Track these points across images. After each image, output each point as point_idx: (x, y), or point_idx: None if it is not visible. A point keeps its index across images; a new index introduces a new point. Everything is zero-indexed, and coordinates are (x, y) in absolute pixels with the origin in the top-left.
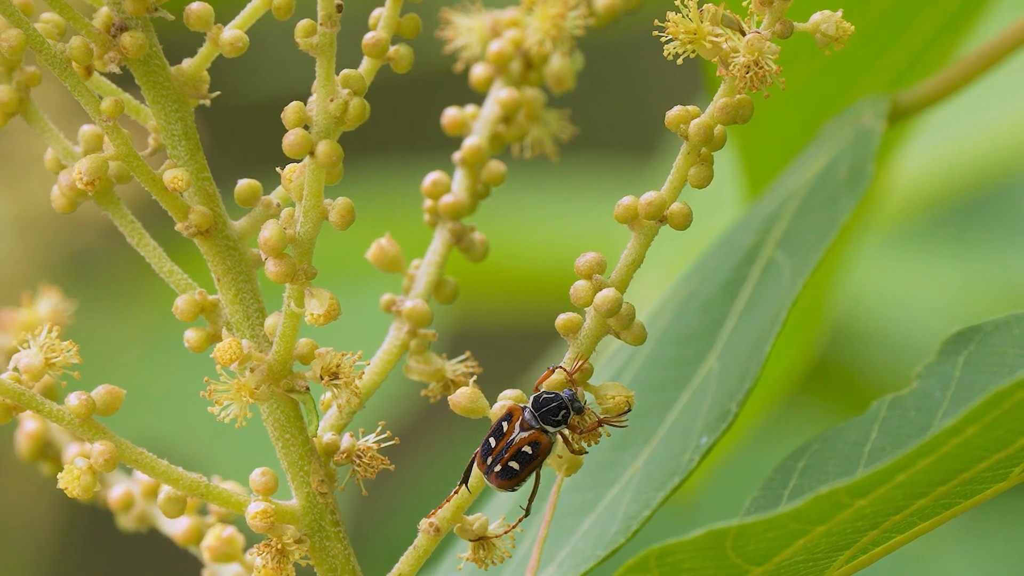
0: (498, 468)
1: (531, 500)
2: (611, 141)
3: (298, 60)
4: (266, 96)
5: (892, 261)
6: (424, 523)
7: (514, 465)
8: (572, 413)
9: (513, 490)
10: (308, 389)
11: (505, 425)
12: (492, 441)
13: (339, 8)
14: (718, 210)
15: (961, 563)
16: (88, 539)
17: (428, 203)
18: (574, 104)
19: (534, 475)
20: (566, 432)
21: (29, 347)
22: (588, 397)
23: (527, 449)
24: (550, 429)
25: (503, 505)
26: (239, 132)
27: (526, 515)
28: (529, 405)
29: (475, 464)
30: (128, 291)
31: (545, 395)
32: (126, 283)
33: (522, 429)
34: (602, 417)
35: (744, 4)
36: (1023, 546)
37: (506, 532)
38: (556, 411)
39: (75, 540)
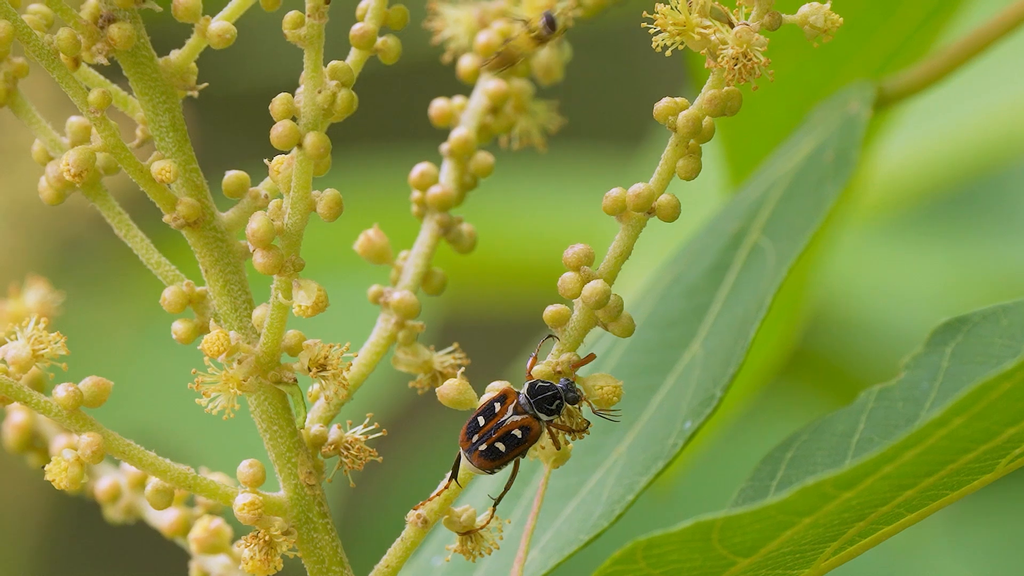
0: (483, 447)
1: (506, 489)
2: (601, 131)
3: (288, 50)
4: (256, 86)
5: (883, 250)
6: (412, 515)
7: (500, 447)
8: (566, 404)
9: (492, 472)
10: (296, 381)
11: (497, 406)
12: (481, 420)
13: (327, 0)
14: (708, 198)
15: (949, 554)
16: (79, 528)
17: (416, 194)
18: (563, 95)
19: (514, 463)
20: (556, 423)
21: (16, 339)
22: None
23: (517, 432)
24: (543, 417)
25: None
26: (229, 122)
27: (496, 503)
28: (524, 391)
29: (459, 442)
30: (120, 281)
31: (541, 383)
32: (118, 273)
33: (515, 412)
34: (595, 410)
35: None
36: (1010, 537)
37: (486, 524)
38: (551, 400)
39: (66, 529)
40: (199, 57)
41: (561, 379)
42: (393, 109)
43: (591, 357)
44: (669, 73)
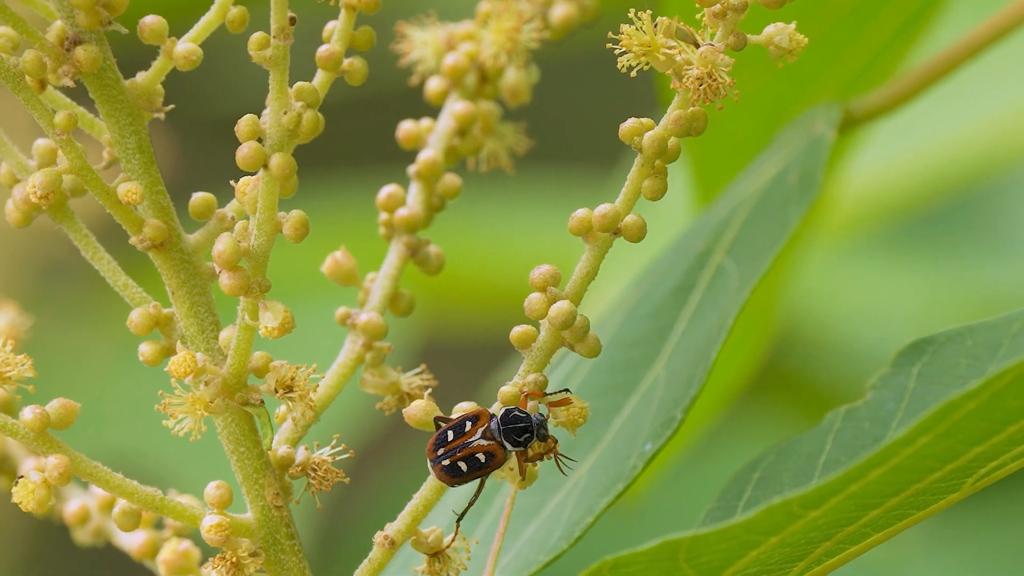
0: (446, 462)
1: (469, 505)
2: (571, 153)
3: (259, 74)
4: (229, 110)
5: (854, 270)
6: (379, 536)
7: (462, 466)
8: (534, 439)
9: (453, 486)
10: (263, 402)
11: (468, 425)
12: (450, 435)
13: (292, 21)
14: (677, 217)
15: (927, 569)
16: (57, 547)
17: (383, 216)
18: (531, 117)
19: (478, 481)
20: (522, 451)
21: None
22: (542, 408)
23: (480, 456)
24: (510, 447)
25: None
26: (205, 144)
27: (460, 519)
28: (498, 418)
29: (426, 450)
30: (100, 303)
31: (517, 413)
32: (98, 295)
33: (483, 437)
34: (553, 450)
35: (698, 16)
36: (987, 553)
37: (451, 543)
38: (520, 432)
39: (45, 548)
40: (175, 80)
41: (537, 414)
42: (360, 131)
43: (567, 400)
44: (640, 95)
